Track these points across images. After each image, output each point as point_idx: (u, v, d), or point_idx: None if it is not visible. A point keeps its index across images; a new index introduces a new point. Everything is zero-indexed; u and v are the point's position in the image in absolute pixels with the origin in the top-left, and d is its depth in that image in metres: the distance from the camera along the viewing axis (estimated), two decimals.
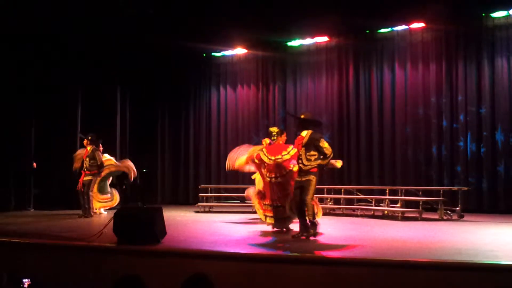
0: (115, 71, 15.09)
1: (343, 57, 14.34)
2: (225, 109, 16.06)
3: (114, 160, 12.60)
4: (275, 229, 8.92)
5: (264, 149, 8.95)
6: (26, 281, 5.13)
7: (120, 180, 12.94)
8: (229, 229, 9.44)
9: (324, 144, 7.86)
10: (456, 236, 8.44)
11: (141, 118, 16.18)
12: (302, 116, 8.42)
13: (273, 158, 8.61)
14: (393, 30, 13.69)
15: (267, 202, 8.93)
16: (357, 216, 11.63)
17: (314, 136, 7.95)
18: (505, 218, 10.79)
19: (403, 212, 11.01)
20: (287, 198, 8.49)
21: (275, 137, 8.95)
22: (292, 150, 8.55)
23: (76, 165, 12.25)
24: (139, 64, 15.26)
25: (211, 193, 14.15)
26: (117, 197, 12.57)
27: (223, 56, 16.16)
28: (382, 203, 11.90)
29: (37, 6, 11.91)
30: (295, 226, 8.61)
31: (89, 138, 11.95)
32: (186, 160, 16.40)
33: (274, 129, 9.10)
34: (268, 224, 9.00)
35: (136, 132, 15.88)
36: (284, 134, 9.06)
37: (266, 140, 9.32)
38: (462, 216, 10.80)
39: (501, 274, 5.36)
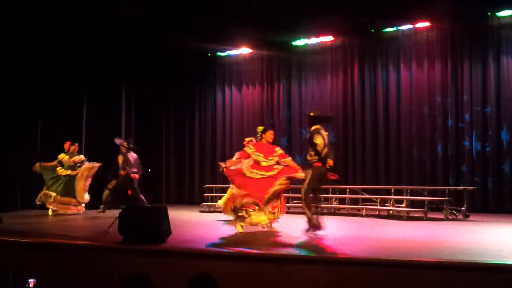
0: (120, 70, 15.11)
1: (348, 56, 14.33)
2: (230, 108, 16.07)
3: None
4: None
5: (251, 146, 9.07)
6: (31, 281, 5.13)
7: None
8: (234, 228, 9.42)
9: (317, 140, 8.06)
10: (461, 236, 8.42)
11: (146, 117, 16.19)
12: (311, 114, 8.64)
13: (265, 160, 8.84)
14: (398, 29, 13.68)
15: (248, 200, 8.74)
16: (362, 216, 11.62)
17: (312, 131, 8.21)
18: (510, 218, 10.76)
19: (408, 212, 11.00)
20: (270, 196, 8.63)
21: (259, 136, 9.09)
22: (279, 151, 8.96)
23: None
24: (144, 63, 15.28)
25: (216, 192, 14.14)
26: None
27: (228, 55, 16.16)
28: (387, 203, 11.88)
29: (41, 5, 11.92)
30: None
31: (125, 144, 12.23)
32: (191, 160, 16.42)
33: (259, 128, 9.29)
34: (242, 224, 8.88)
35: (141, 132, 15.89)
36: (269, 132, 9.12)
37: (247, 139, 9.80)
38: (467, 216, 10.77)
39: (507, 274, 5.34)
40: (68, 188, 12.32)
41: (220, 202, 10.38)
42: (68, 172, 12.37)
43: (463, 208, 10.91)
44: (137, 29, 13.44)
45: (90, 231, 8.32)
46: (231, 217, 9.30)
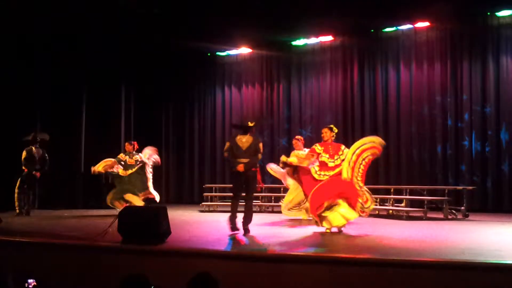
0: (120, 70, 15.11)
1: (348, 56, 14.33)
2: (230, 108, 16.06)
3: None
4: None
5: (319, 146, 8.92)
6: (31, 281, 5.13)
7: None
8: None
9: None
10: (461, 235, 8.42)
11: (145, 117, 16.19)
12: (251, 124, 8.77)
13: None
14: (398, 29, 13.69)
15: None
16: (361, 215, 11.59)
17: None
18: (510, 218, 10.76)
19: (407, 212, 11.01)
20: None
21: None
22: (345, 149, 8.91)
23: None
24: (144, 63, 15.28)
25: (215, 192, 14.16)
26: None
27: (228, 55, 16.16)
28: (386, 203, 11.90)
29: (41, 5, 11.92)
30: None
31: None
32: (190, 160, 16.42)
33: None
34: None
35: (140, 132, 15.88)
36: (323, 130, 9.10)
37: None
38: (467, 216, 10.78)
39: (506, 273, 5.34)
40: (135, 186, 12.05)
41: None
42: (129, 171, 12.09)
43: (462, 207, 10.92)
44: (137, 29, 13.44)
45: (90, 231, 8.30)
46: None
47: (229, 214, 8.58)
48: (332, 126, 9.20)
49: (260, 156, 8.55)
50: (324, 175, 8.60)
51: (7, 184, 12.94)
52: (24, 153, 11.91)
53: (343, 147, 8.94)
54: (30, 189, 12.09)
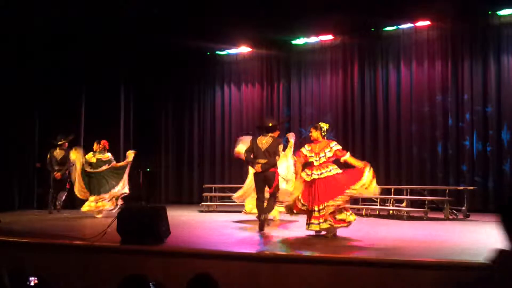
0: (120, 70, 15.08)
1: (348, 55, 14.30)
2: (230, 108, 16.03)
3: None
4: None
5: (306, 146, 8.24)
6: (32, 279, 5.10)
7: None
8: (233, 229, 9.41)
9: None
10: (461, 235, 8.41)
11: (145, 117, 16.17)
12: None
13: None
14: (398, 28, 13.64)
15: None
16: (362, 215, 11.59)
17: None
18: None
19: (408, 212, 10.98)
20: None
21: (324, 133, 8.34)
22: (334, 146, 8.11)
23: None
24: (143, 63, 15.26)
25: (215, 192, 14.13)
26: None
27: (227, 54, 16.12)
28: (387, 203, 11.87)
29: (41, 5, 11.90)
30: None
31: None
32: (190, 159, 16.39)
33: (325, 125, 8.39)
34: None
35: (140, 131, 15.86)
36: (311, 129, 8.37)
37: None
38: (468, 216, 10.75)
39: None
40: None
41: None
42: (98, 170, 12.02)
43: (463, 207, 10.89)
44: (137, 29, 13.42)
45: (89, 231, 8.28)
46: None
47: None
48: (317, 124, 8.30)
49: (278, 158, 8.72)
50: (312, 174, 7.93)
51: (4, 183, 12.97)
52: (48, 156, 12.32)
53: (332, 143, 8.13)
54: (53, 190, 12.47)
